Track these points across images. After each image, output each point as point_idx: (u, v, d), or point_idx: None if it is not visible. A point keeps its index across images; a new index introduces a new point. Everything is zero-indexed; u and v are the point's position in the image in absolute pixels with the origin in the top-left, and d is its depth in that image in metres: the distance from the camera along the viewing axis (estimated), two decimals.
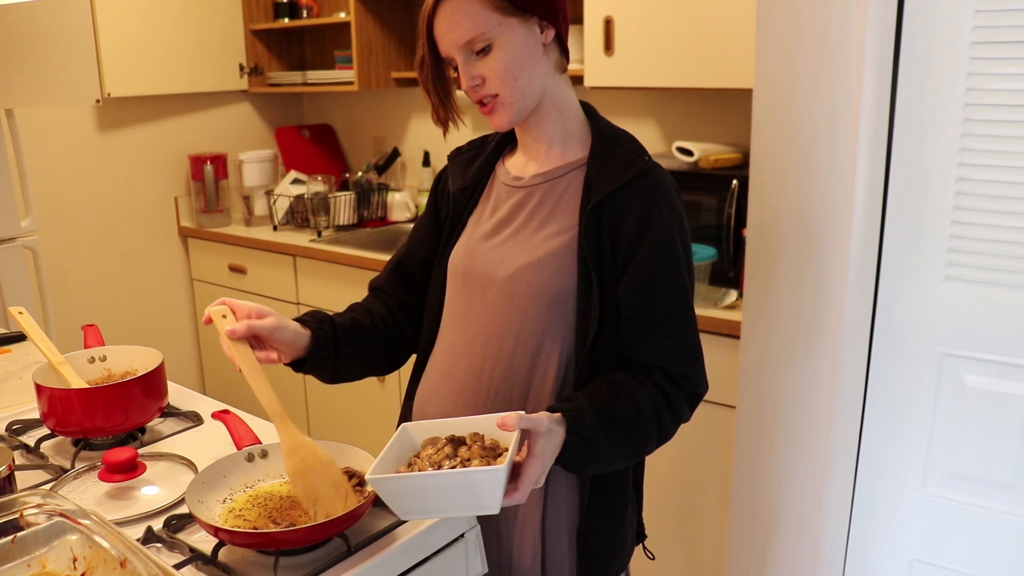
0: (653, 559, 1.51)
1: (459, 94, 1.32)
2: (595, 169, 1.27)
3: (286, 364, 1.29)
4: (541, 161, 1.33)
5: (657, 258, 1.22)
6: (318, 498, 1.11)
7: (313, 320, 1.31)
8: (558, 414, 1.13)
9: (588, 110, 1.35)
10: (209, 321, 1.21)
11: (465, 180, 1.40)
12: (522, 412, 1.08)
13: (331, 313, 1.37)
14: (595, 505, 1.29)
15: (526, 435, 1.08)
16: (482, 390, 1.29)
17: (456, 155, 1.46)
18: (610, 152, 1.28)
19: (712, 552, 2.29)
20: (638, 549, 1.47)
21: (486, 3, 1.20)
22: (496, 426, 1.09)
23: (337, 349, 1.32)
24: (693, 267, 1.29)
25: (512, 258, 1.29)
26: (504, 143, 1.42)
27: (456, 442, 1.11)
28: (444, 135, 1.36)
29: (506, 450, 1.09)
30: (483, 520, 1.31)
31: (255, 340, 1.22)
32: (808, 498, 1.78)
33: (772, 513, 1.85)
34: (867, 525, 1.77)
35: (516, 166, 1.37)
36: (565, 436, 1.12)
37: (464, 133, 1.39)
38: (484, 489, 1.02)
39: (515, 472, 1.07)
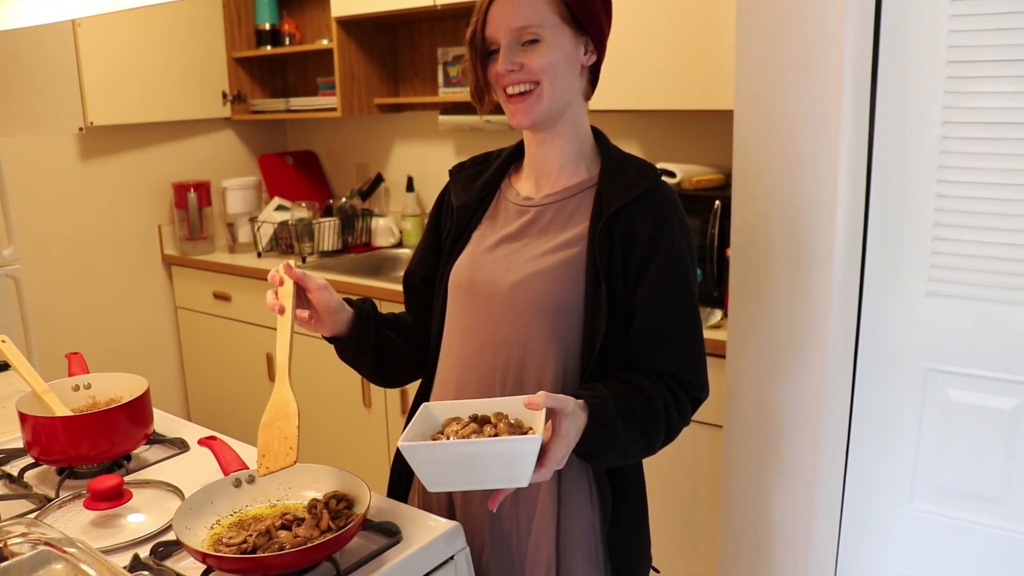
0: (658, 573, 1.51)
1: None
2: (606, 185, 1.30)
3: (329, 340, 1.35)
4: (553, 181, 1.35)
5: (671, 267, 1.26)
6: (268, 451, 1.12)
7: (356, 301, 1.37)
8: (581, 400, 1.16)
9: (598, 135, 1.39)
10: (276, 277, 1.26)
11: (469, 196, 1.41)
12: (547, 392, 1.10)
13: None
14: (621, 511, 1.31)
15: (551, 415, 1.10)
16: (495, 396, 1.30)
17: (459, 170, 1.47)
18: (621, 171, 1.32)
19: (702, 571, 2.28)
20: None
21: (552, 1, 1.24)
22: (515, 407, 1.11)
23: (378, 331, 1.37)
24: (698, 281, 1.32)
25: (519, 267, 1.30)
26: (509, 161, 1.43)
27: (480, 420, 1.12)
28: (479, 111, 1.37)
29: (531, 428, 1.10)
30: (496, 535, 1.31)
31: (300, 297, 1.27)
32: (796, 516, 1.79)
33: (761, 531, 1.85)
34: (856, 541, 1.77)
35: (526, 188, 1.39)
36: (587, 422, 1.14)
37: (448, 153, 1.40)
38: (519, 459, 1.03)
39: (540, 451, 1.08)
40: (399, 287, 2.83)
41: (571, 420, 1.11)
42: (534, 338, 1.28)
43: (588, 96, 1.35)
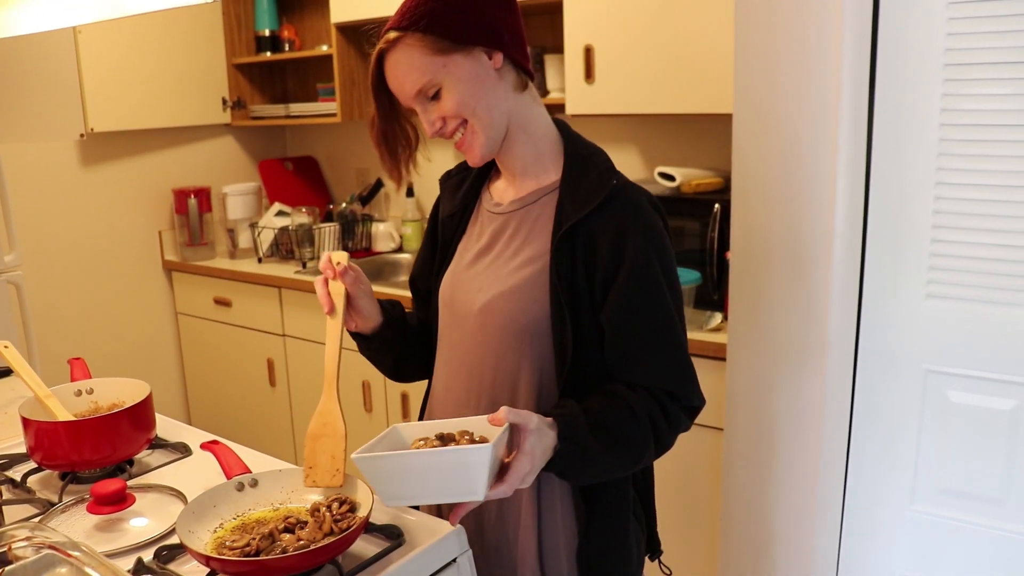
0: (669, 574, 1.48)
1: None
2: (566, 194, 1.26)
3: (353, 336, 1.37)
4: (517, 186, 1.33)
5: (635, 281, 1.20)
6: (315, 464, 1.19)
7: (386, 304, 1.38)
8: (550, 418, 1.14)
9: (561, 127, 1.34)
10: (330, 270, 1.27)
11: (453, 207, 1.41)
12: (510, 408, 1.09)
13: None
14: (595, 526, 1.28)
15: (516, 431, 1.09)
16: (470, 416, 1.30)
17: (446, 179, 1.47)
18: (581, 176, 1.26)
19: (704, 573, 2.28)
20: (653, 566, 1.45)
21: (425, 49, 1.19)
22: (482, 426, 1.11)
23: (404, 337, 1.40)
24: (679, 286, 1.28)
25: (487, 288, 1.29)
26: (488, 167, 1.41)
27: (446, 439, 1.12)
28: (397, 187, 1.40)
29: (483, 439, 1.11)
30: (484, 545, 1.31)
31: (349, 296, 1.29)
32: (797, 518, 1.79)
33: (762, 534, 1.85)
34: (857, 543, 1.78)
35: (498, 191, 1.37)
36: (557, 441, 1.13)
37: (433, 167, 1.42)
38: (471, 470, 1.03)
39: (504, 468, 1.08)
40: (400, 292, 2.85)
41: (536, 437, 1.09)
42: (504, 359, 1.27)
43: (524, 86, 1.27)
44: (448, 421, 1.17)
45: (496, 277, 1.29)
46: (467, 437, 1.11)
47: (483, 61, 1.22)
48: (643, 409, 1.19)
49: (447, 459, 1.04)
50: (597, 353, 1.24)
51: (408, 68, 1.21)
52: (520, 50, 1.26)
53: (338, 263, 1.26)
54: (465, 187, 1.41)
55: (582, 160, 1.28)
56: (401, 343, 1.40)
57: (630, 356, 1.23)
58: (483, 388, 1.30)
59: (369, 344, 1.38)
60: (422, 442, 1.12)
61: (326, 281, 1.26)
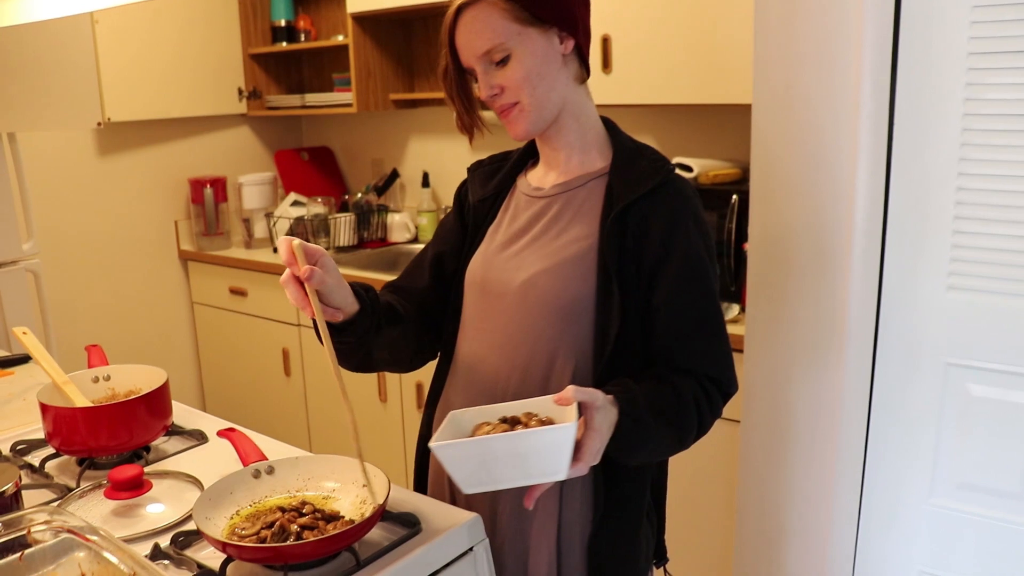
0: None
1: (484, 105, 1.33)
2: (617, 178, 1.28)
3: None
4: (561, 171, 1.34)
5: (688, 268, 1.24)
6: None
7: (361, 289, 1.22)
8: (610, 396, 1.14)
9: (608, 124, 1.36)
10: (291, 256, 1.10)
11: (485, 192, 1.41)
12: (577, 386, 1.08)
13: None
14: (609, 517, 1.28)
15: (583, 409, 1.08)
16: (500, 400, 1.28)
17: (477, 167, 1.47)
18: (632, 162, 1.29)
19: (718, 567, 2.28)
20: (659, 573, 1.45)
21: (505, 13, 1.21)
22: (543, 406, 1.10)
23: (378, 328, 1.24)
24: (717, 274, 1.30)
25: (528, 266, 1.29)
26: (526, 157, 1.43)
27: (511, 421, 1.10)
28: (470, 142, 1.37)
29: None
30: (500, 533, 1.30)
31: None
32: (814, 511, 1.78)
33: (778, 527, 1.84)
34: (874, 537, 1.76)
35: (537, 177, 1.38)
36: (617, 417, 1.13)
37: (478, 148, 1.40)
38: (556, 450, 1.02)
39: (575, 446, 1.06)
40: None
41: (602, 414, 1.10)
42: (542, 338, 1.27)
43: (583, 79, 1.31)
44: (506, 404, 1.15)
45: (538, 256, 1.29)
46: (535, 418, 1.10)
47: (554, 43, 1.25)
48: (689, 392, 1.21)
49: (532, 441, 1.03)
50: (635, 339, 1.25)
51: (484, 27, 1.22)
52: (587, 46, 1.30)
53: (304, 268, 1.08)
54: (501, 174, 1.42)
55: (631, 151, 1.31)
56: (377, 335, 1.25)
57: (681, 341, 1.24)
58: (516, 368, 1.29)
59: (343, 336, 1.20)
60: (489, 427, 1.10)
61: (295, 278, 1.09)
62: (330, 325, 1.16)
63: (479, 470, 1.04)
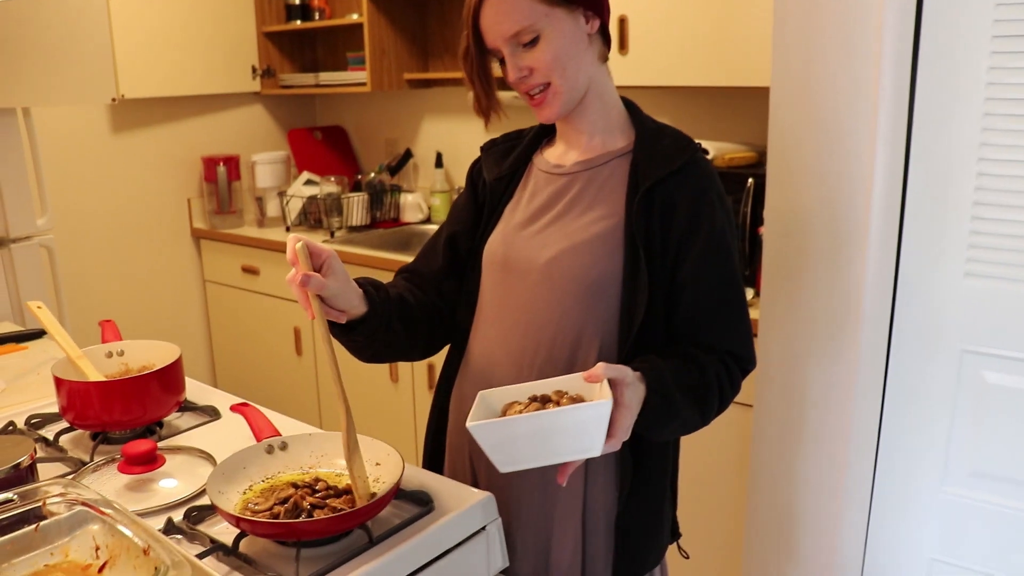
0: (688, 558, 1.50)
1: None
2: (642, 156, 1.28)
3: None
4: (583, 149, 1.33)
5: (714, 246, 1.24)
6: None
7: (370, 287, 1.24)
8: (638, 372, 1.14)
9: (628, 104, 1.36)
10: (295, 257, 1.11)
11: (501, 170, 1.40)
12: (606, 363, 1.09)
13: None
14: (635, 494, 1.29)
15: (613, 385, 1.08)
16: (523, 379, 1.27)
17: (490, 146, 1.46)
18: (656, 141, 1.29)
19: (729, 551, 2.28)
20: (672, 548, 1.45)
21: None
22: (572, 384, 1.11)
23: (388, 325, 1.26)
24: (737, 252, 1.31)
25: (552, 244, 1.29)
26: (542, 135, 1.42)
27: (541, 399, 1.11)
28: (486, 125, 1.36)
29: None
30: (523, 513, 1.30)
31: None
32: (826, 497, 1.77)
33: (789, 511, 1.84)
34: (886, 524, 1.76)
35: (556, 155, 1.37)
36: (645, 393, 1.13)
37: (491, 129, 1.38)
38: (592, 427, 1.03)
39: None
40: None
41: (632, 390, 1.10)
42: (569, 315, 1.27)
43: (605, 57, 1.31)
44: (534, 383, 1.15)
45: (563, 233, 1.29)
46: (566, 396, 1.10)
47: (581, 23, 1.25)
48: (712, 369, 1.22)
49: (569, 418, 1.03)
50: (660, 317, 1.25)
51: (512, 8, 1.21)
52: (609, 24, 1.30)
53: (301, 274, 1.09)
54: (516, 152, 1.41)
55: (654, 130, 1.32)
56: (386, 332, 1.27)
57: (706, 317, 1.26)
58: (541, 346, 1.29)
59: (352, 335, 1.23)
60: (520, 406, 1.10)
61: (300, 280, 1.09)
62: (339, 324, 1.19)
63: (516, 449, 1.05)
